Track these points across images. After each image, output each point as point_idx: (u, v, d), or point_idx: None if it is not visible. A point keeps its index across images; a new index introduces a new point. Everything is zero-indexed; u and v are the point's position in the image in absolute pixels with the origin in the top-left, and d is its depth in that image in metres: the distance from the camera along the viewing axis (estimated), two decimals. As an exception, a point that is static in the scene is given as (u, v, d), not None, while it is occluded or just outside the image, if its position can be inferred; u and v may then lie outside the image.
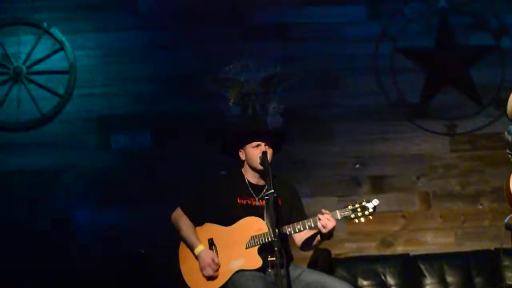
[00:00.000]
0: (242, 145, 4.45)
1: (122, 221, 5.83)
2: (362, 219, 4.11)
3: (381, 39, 6.21)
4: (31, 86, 6.06)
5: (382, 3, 6.27)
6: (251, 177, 4.43)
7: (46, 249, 5.76)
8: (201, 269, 4.24)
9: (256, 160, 4.31)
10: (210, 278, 4.22)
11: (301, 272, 4.26)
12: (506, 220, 4.09)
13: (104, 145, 6.06)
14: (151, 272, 5.35)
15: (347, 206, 4.14)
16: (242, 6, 6.23)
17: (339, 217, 4.12)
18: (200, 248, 4.29)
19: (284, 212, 4.35)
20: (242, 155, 4.46)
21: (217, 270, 4.22)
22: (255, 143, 4.37)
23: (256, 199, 4.35)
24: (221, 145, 4.62)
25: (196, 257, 4.29)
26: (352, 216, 4.11)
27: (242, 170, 4.51)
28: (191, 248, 4.32)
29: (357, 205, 4.11)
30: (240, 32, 6.20)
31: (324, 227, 4.07)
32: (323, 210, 4.11)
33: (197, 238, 4.34)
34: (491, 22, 6.27)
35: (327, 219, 4.07)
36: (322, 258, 5.67)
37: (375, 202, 4.11)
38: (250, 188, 4.40)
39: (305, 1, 6.25)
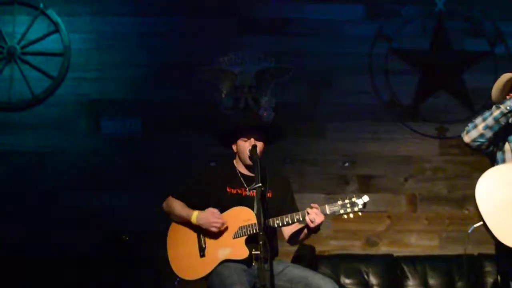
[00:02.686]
0: (234, 139, 4.45)
1: (108, 207, 5.82)
2: (351, 215, 4.09)
3: (377, 39, 6.22)
4: (24, 67, 6.02)
5: (380, 3, 6.27)
6: (242, 168, 4.43)
7: (31, 230, 5.76)
8: (209, 228, 4.21)
9: (246, 154, 4.31)
10: (221, 233, 4.24)
11: (285, 267, 4.26)
12: (470, 230, 4.09)
13: (94, 130, 6.05)
14: (136, 258, 5.36)
15: (337, 201, 4.11)
16: (240, -1, 6.25)
17: (328, 212, 4.10)
18: (195, 213, 4.26)
19: (275, 205, 4.35)
20: (234, 148, 4.46)
21: (224, 223, 4.22)
22: (245, 137, 4.38)
23: (247, 189, 4.34)
24: (217, 139, 4.61)
25: (196, 228, 4.27)
26: (341, 211, 4.08)
27: (234, 161, 4.51)
28: (188, 220, 4.29)
29: (346, 201, 4.08)
30: (237, 24, 6.20)
31: (312, 222, 4.06)
32: (312, 205, 4.10)
33: (190, 209, 4.32)
34: (487, 29, 6.30)
35: (316, 213, 4.07)
36: (306, 254, 5.67)
37: (365, 198, 4.08)
38: (241, 178, 4.40)
39: (304, -3, 6.27)
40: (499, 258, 4.19)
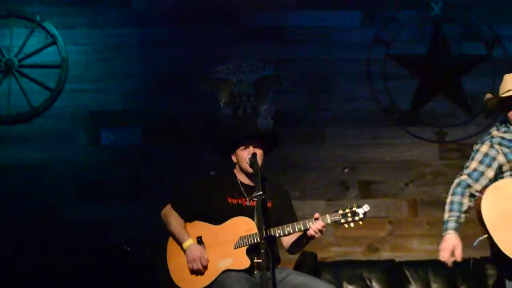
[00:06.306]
0: (232, 150, 4.44)
1: (109, 218, 5.82)
2: (352, 225, 4.10)
3: (374, 45, 6.22)
4: (22, 79, 6.02)
5: (376, 9, 6.27)
6: (243, 177, 4.42)
7: (32, 243, 5.75)
8: (188, 263, 4.23)
9: (246, 163, 4.30)
10: (197, 273, 4.22)
11: (287, 274, 4.25)
12: (475, 244, 4.09)
13: (94, 141, 6.04)
14: (136, 269, 5.35)
15: (338, 211, 4.10)
16: (237, 7, 6.21)
17: (329, 221, 4.09)
18: (189, 242, 4.27)
19: (274, 215, 4.34)
20: (234, 159, 4.45)
21: (205, 266, 4.22)
22: (243, 146, 4.37)
23: (247, 199, 4.33)
24: (216, 151, 4.60)
25: (185, 252, 4.28)
26: (342, 221, 4.08)
27: (234, 170, 4.50)
28: (180, 242, 4.30)
29: (347, 210, 4.07)
30: (234, 33, 6.19)
31: (315, 233, 4.07)
32: (315, 216, 4.08)
33: (187, 232, 4.33)
34: (484, 32, 6.30)
35: (319, 230, 4.06)
36: (308, 261, 5.67)
37: (366, 207, 4.07)
38: (241, 188, 4.39)
39: (301, 4, 6.23)
40: (502, 267, 4.19)
